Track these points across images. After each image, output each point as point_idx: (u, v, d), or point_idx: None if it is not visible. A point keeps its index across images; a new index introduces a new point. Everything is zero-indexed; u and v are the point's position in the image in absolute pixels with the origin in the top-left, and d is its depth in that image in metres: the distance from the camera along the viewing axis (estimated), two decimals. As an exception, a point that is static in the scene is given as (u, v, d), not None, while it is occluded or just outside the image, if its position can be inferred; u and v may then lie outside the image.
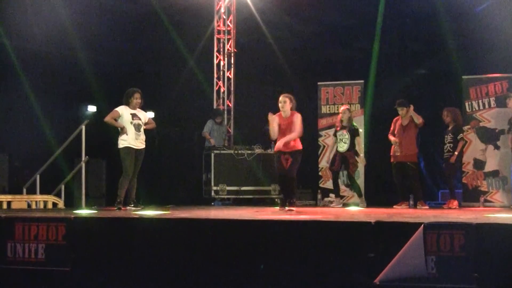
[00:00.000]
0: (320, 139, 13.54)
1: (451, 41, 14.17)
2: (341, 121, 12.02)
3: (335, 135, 12.16)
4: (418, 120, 11.47)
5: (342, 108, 12.29)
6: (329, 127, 13.33)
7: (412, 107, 11.53)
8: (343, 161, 11.95)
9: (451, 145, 11.56)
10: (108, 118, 10.16)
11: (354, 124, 12.10)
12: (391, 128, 11.83)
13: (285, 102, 9.93)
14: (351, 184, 12.33)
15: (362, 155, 12.11)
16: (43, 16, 14.43)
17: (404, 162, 11.58)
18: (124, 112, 10.14)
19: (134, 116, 10.16)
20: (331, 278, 5.75)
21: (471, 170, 12.36)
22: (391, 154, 11.73)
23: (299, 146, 9.96)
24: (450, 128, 11.67)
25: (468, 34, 13.89)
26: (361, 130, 12.36)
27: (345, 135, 11.90)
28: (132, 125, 10.11)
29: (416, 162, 11.78)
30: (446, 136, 11.71)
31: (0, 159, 16.12)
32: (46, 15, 14.42)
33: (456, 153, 11.46)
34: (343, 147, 11.91)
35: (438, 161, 14.70)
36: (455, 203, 11.46)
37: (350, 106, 12.99)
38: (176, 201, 12.80)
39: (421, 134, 11.91)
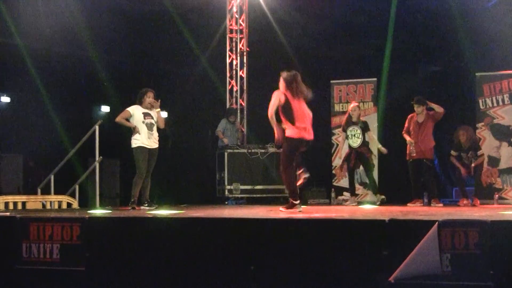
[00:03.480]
0: (333, 137, 13.52)
1: (464, 38, 14.09)
2: (351, 117, 11.98)
3: (344, 131, 12.09)
4: (440, 109, 11.43)
5: (352, 105, 12.23)
6: (342, 125, 13.31)
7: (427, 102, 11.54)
8: (359, 157, 11.90)
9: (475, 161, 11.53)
10: (119, 118, 10.16)
11: (363, 120, 12.08)
12: (406, 126, 11.77)
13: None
14: (368, 179, 12.27)
15: (380, 145, 12.04)
16: (55, 16, 14.48)
17: (421, 160, 11.53)
18: (135, 111, 10.13)
19: (146, 115, 10.15)
20: (345, 277, 5.74)
21: (485, 167, 12.30)
22: (407, 152, 11.67)
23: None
24: (467, 146, 11.52)
25: (481, 30, 13.81)
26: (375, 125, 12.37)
27: (357, 130, 11.86)
28: (145, 124, 10.09)
29: (431, 159, 11.73)
30: (464, 154, 11.54)
31: (15, 160, 16.20)
32: (59, 15, 14.47)
33: (476, 164, 11.47)
34: (356, 142, 11.86)
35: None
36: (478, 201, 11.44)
37: (363, 104, 12.98)
38: (190, 201, 12.81)
39: (435, 131, 11.83)
